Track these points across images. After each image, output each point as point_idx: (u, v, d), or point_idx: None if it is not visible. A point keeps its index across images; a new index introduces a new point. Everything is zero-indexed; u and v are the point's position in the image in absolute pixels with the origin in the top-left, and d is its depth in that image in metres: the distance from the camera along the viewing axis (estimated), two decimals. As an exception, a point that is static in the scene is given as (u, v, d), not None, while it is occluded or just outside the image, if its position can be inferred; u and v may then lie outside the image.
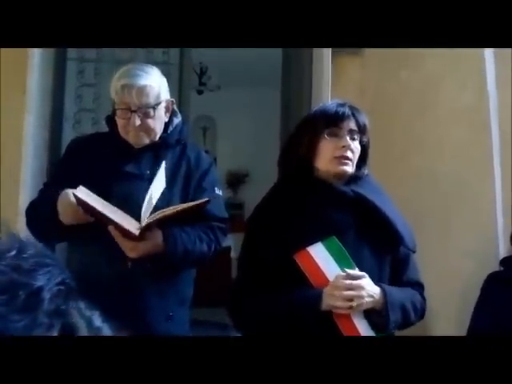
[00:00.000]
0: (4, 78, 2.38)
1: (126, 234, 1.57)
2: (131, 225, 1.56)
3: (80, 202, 1.55)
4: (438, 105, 2.40)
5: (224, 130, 7.41)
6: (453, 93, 2.38)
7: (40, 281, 0.59)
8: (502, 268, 2.08)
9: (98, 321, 0.71)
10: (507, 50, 2.38)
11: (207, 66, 5.82)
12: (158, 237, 1.62)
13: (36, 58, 2.48)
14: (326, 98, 2.48)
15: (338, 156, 1.46)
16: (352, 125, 1.49)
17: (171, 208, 1.61)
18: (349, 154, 1.47)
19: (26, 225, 1.76)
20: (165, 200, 1.67)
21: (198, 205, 1.63)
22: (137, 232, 1.55)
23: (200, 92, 6.03)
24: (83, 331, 0.69)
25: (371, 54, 2.43)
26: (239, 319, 1.54)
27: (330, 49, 2.45)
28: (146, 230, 1.58)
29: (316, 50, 2.56)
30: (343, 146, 1.46)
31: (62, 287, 0.61)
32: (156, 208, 1.62)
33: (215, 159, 7.32)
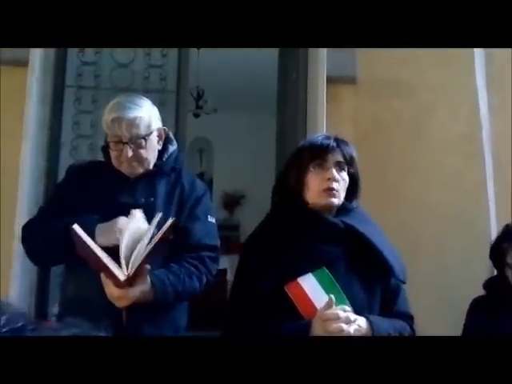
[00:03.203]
0: (2, 106, 2.40)
1: (113, 279, 1.55)
2: (119, 271, 1.54)
3: (78, 239, 1.54)
4: (431, 133, 2.43)
5: (220, 152, 7.46)
6: (445, 122, 2.42)
7: None
8: (484, 292, 2.10)
9: None
10: (499, 79, 2.42)
11: (203, 89, 5.87)
12: (145, 283, 1.59)
13: (34, 85, 2.51)
14: (321, 125, 2.51)
15: (324, 188, 1.48)
16: (338, 157, 1.51)
17: (145, 244, 1.57)
18: (335, 185, 1.48)
19: (24, 244, 1.74)
20: (159, 227, 1.68)
21: (168, 230, 1.58)
22: (123, 278, 1.53)
23: (197, 115, 6.08)
24: None
25: (365, 83, 2.46)
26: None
27: (325, 77, 2.48)
28: (133, 276, 1.55)
29: (311, 79, 2.60)
30: (329, 179, 1.48)
31: None
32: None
33: (211, 181, 7.37)
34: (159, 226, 1.62)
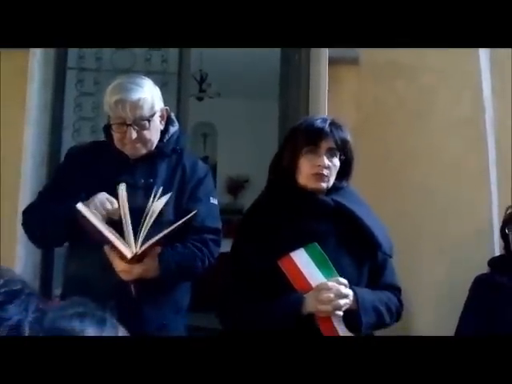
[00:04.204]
0: (4, 89, 2.40)
1: (119, 255, 1.59)
2: (127, 249, 1.57)
3: (82, 218, 1.57)
4: (434, 116, 2.41)
5: (224, 136, 7.46)
6: (448, 105, 2.40)
7: (17, 313, 0.60)
8: (489, 269, 2.10)
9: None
10: (503, 62, 2.40)
11: (207, 73, 5.85)
12: (152, 261, 1.63)
13: (36, 68, 2.50)
14: (323, 107, 2.50)
15: (314, 173, 1.55)
16: (330, 143, 1.56)
17: (162, 234, 1.60)
18: (324, 171, 1.55)
19: (25, 228, 1.76)
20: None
21: (185, 221, 1.63)
22: (130, 255, 1.57)
23: (200, 99, 6.06)
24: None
25: (367, 65, 2.45)
26: (227, 323, 1.60)
27: (327, 59, 2.47)
28: (140, 254, 1.59)
29: (313, 61, 2.58)
30: (319, 165, 1.54)
31: (37, 314, 0.62)
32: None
33: (215, 165, 7.37)
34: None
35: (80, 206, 1.56)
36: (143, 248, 1.57)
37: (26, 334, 0.59)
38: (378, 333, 1.63)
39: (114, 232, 1.58)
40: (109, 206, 1.63)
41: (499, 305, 1.88)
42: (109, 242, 1.57)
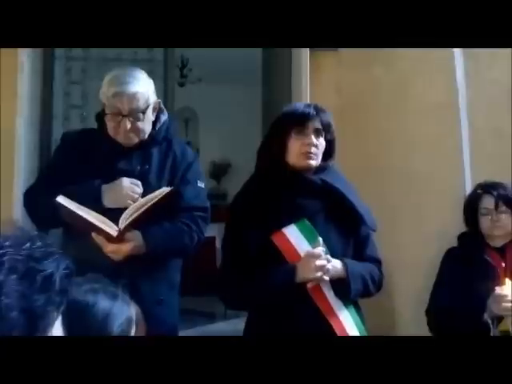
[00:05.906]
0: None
1: (106, 236, 1.68)
2: (110, 227, 1.67)
3: (63, 208, 1.66)
4: (410, 101, 2.52)
5: (206, 122, 7.50)
6: (423, 89, 2.50)
7: (51, 267, 0.74)
8: (458, 243, 2.23)
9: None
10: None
11: (188, 58, 5.88)
12: (137, 238, 1.73)
13: (24, 59, 2.54)
14: (305, 94, 2.60)
15: (303, 152, 1.67)
16: (317, 124, 1.69)
17: (141, 204, 1.71)
18: (313, 149, 1.67)
19: (25, 208, 1.86)
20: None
21: (165, 196, 1.74)
22: (115, 233, 1.66)
23: (181, 84, 6.09)
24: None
25: (347, 52, 2.54)
26: (226, 298, 1.73)
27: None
28: (124, 231, 1.68)
29: (295, 49, 2.67)
30: (308, 144, 1.66)
31: (67, 271, 0.76)
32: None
33: (198, 150, 7.41)
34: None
35: (59, 198, 1.65)
36: (126, 223, 1.67)
37: (57, 285, 0.74)
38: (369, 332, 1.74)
39: (95, 214, 1.67)
40: (137, 189, 1.74)
41: (469, 277, 2.00)
42: (92, 226, 1.66)
